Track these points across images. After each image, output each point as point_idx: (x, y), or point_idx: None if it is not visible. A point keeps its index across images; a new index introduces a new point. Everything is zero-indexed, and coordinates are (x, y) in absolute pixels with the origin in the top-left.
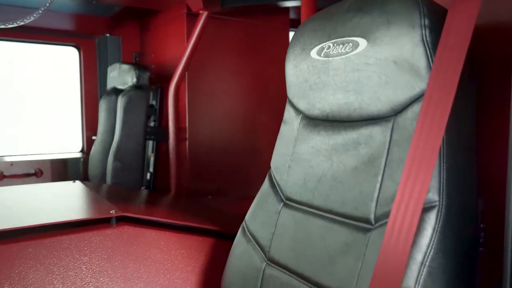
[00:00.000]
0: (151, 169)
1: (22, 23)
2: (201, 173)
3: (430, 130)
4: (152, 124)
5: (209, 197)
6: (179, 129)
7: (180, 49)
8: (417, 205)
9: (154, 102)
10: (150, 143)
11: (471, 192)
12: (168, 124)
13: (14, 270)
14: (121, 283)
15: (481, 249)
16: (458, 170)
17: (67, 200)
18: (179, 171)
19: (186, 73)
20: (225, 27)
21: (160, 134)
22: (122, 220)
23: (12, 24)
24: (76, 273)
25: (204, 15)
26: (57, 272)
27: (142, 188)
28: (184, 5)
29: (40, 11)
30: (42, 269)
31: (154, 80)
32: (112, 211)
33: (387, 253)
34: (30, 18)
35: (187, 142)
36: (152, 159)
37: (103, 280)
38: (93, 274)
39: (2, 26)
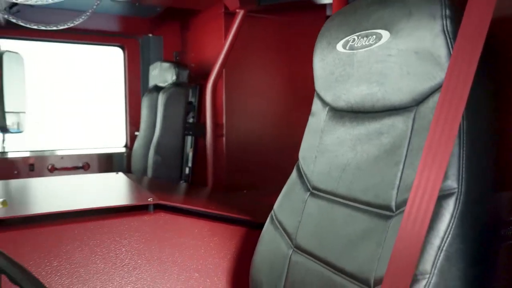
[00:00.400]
0: (189, 164)
1: (71, 25)
2: (237, 168)
3: (446, 119)
4: (191, 120)
5: (244, 191)
6: (216, 125)
7: (218, 47)
8: (433, 191)
9: (193, 99)
10: (189, 139)
11: (491, 182)
12: (205, 120)
13: (62, 249)
14: (157, 266)
15: (510, 242)
16: (478, 159)
17: (109, 189)
18: (216, 166)
19: (224, 70)
20: (261, 25)
21: (198, 130)
22: (159, 208)
23: (63, 26)
24: (116, 254)
25: (240, 13)
26: (99, 253)
27: (181, 182)
28: (222, 4)
29: (87, 13)
30: (86, 249)
31: (193, 78)
32: (150, 199)
33: (404, 237)
34: (78, 20)
35: (224, 138)
36: (190, 154)
37: (140, 262)
38: (132, 256)
39: (54, 28)
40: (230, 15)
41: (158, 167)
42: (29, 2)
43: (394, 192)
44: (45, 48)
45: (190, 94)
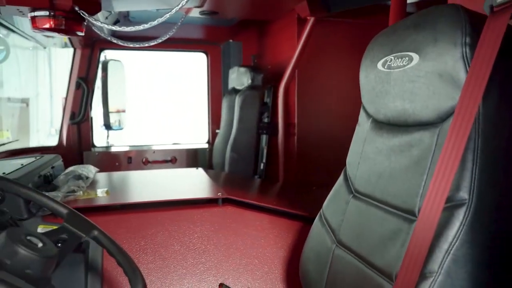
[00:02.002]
0: (264, 160)
1: (163, 39)
2: (308, 166)
3: (456, 137)
4: (266, 120)
5: (314, 188)
6: (288, 124)
7: (291, 51)
8: (440, 201)
9: (268, 100)
10: (264, 137)
11: (502, 193)
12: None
13: (148, 232)
14: (223, 251)
15: None
16: (490, 173)
17: (188, 183)
18: (287, 163)
19: (296, 72)
20: (332, 29)
21: (271, 129)
22: (227, 202)
23: (156, 42)
24: (190, 239)
25: (311, 20)
26: (176, 237)
27: (255, 177)
28: (295, 12)
29: (177, 26)
30: (166, 233)
31: (269, 79)
32: (219, 194)
33: (415, 240)
34: (167, 35)
35: (295, 137)
36: (265, 151)
37: (209, 247)
38: (202, 241)
39: (148, 44)
40: (302, 22)
41: (233, 163)
42: (127, 29)
43: (418, 199)
44: (140, 55)
45: (266, 94)
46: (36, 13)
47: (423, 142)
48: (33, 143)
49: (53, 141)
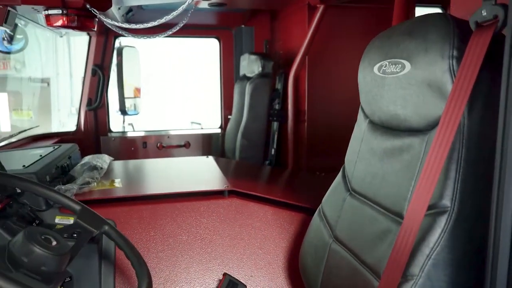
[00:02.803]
0: (274, 146)
1: (176, 29)
2: (318, 152)
3: (440, 147)
4: (277, 106)
5: (323, 174)
6: (298, 111)
7: (302, 38)
8: (422, 208)
9: (279, 86)
10: (275, 124)
11: (484, 201)
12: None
13: (157, 223)
14: (228, 241)
15: None
16: (474, 181)
17: (196, 173)
18: (296, 149)
19: (307, 59)
20: (343, 15)
21: (282, 115)
22: (232, 193)
23: (166, 34)
24: (197, 229)
25: (321, 7)
26: (184, 227)
27: (266, 162)
28: (305, 0)
29: (189, 14)
30: (174, 224)
31: (281, 65)
32: (225, 186)
33: (399, 243)
34: (178, 27)
35: (305, 124)
36: (275, 137)
37: (215, 237)
38: (208, 232)
39: (171, 31)
40: (312, 8)
41: (244, 150)
42: (137, 27)
43: (406, 203)
44: (154, 40)
45: (277, 81)
46: (50, 11)
47: (413, 148)
48: (55, 122)
49: (72, 121)
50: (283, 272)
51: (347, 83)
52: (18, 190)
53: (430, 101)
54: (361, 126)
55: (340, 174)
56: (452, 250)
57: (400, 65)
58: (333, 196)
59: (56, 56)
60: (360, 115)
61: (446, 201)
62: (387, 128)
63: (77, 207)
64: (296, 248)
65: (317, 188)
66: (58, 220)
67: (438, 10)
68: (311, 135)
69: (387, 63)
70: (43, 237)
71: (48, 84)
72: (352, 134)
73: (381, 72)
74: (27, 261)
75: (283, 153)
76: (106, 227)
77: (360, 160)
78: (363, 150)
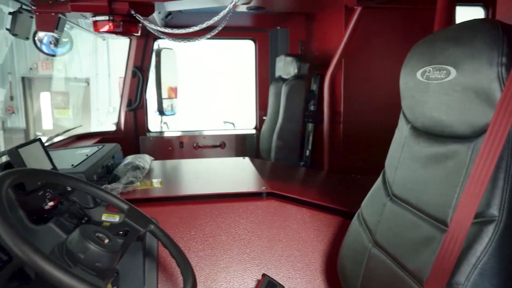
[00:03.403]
0: (309, 148)
1: (213, 34)
2: (353, 154)
3: (488, 156)
4: (312, 108)
5: (358, 176)
6: (334, 113)
7: (339, 40)
8: (469, 216)
9: (314, 88)
10: (310, 125)
11: None
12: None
13: (198, 222)
14: (266, 242)
15: None
16: None
17: (234, 175)
18: (332, 151)
19: (343, 61)
20: (381, 17)
21: (317, 117)
22: (270, 195)
23: (205, 37)
24: (236, 230)
25: (359, 9)
26: (223, 228)
27: (301, 163)
28: (342, 2)
29: (227, 18)
30: (214, 224)
31: (316, 66)
32: (264, 188)
33: (444, 251)
34: (216, 30)
35: (341, 125)
36: (310, 139)
37: (254, 238)
38: (247, 233)
39: (209, 35)
40: (349, 10)
41: (279, 151)
42: (177, 32)
43: (450, 210)
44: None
45: (312, 82)
46: (97, 18)
47: (458, 155)
48: (94, 120)
49: (110, 119)
50: (321, 275)
51: (384, 85)
52: (69, 189)
53: (477, 108)
54: (402, 131)
55: (380, 179)
56: (500, 260)
57: (445, 71)
58: (373, 200)
59: (96, 57)
60: (402, 120)
61: (494, 211)
62: (430, 134)
63: (126, 207)
64: (333, 251)
65: (354, 191)
66: (104, 217)
67: (479, 9)
68: (347, 137)
69: (431, 69)
70: (96, 234)
71: (88, 84)
72: (393, 139)
73: (424, 78)
74: (83, 258)
75: (317, 154)
76: (152, 226)
77: (401, 166)
78: (404, 155)
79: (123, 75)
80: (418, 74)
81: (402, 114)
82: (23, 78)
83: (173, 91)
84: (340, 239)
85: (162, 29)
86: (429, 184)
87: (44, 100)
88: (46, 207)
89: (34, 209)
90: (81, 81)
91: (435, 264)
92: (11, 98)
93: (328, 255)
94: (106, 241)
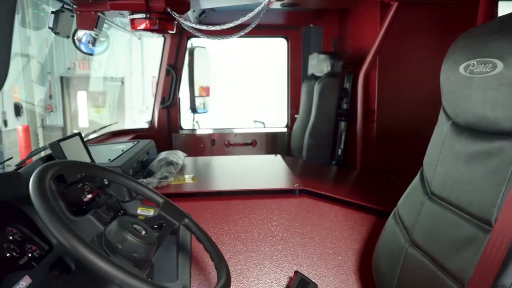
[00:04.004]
0: (342, 146)
1: (250, 29)
2: (387, 153)
3: None
4: (345, 106)
5: (392, 176)
6: (368, 111)
7: (373, 36)
8: None
9: (347, 86)
10: (343, 123)
11: None
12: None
13: (230, 218)
14: (299, 240)
15: None
16: None
17: (266, 171)
18: (365, 150)
19: (378, 59)
20: (418, 13)
21: (350, 115)
22: (303, 192)
23: (238, 34)
24: (268, 227)
25: (395, 5)
26: (256, 224)
27: (333, 162)
28: None
29: (260, 15)
30: (246, 220)
31: (349, 64)
32: (296, 185)
33: (489, 252)
34: (257, 21)
35: (375, 124)
36: (343, 137)
37: (286, 235)
38: (279, 229)
39: (243, 32)
40: (385, 6)
41: (311, 149)
42: (212, 29)
43: (495, 209)
44: (221, 42)
45: (345, 80)
46: (135, 16)
47: (503, 152)
48: (128, 118)
49: (143, 117)
50: (354, 274)
51: (420, 82)
52: (106, 182)
53: None
54: (442, 128)
55: (417, 177)
56: None
57: (490, 65)
58: (410, 199)
59: (131, 57)
60: (442, 117)
61: None
62: (473, 130)
63: (161, 200)
64: (368, 250)
65: (389, 190)
66: (139, 211)
67: None
68: (380, 136)
69: (475, 62)
70: (134, 226)
71: (123, 83)
72: (432, 136)
73: (468, 72)
74: (121, 248)
75: (350, 153)
76: (186, 220)
77: (441, 163)
78: (444, 152)
79: (156, 75)
80: (461, 68)
81: (443, 110)
82: (61, 78)
83: (205, 89)
84: (375, 239)
85: (197, 26)
86: (472, 182)
87: (81, 98)
88: (85, 199)
89: (74, 201)
90: (116, 81)
91: (479, 265)
92: (50, 97)
93: (362, 254)
94: (143, 232)
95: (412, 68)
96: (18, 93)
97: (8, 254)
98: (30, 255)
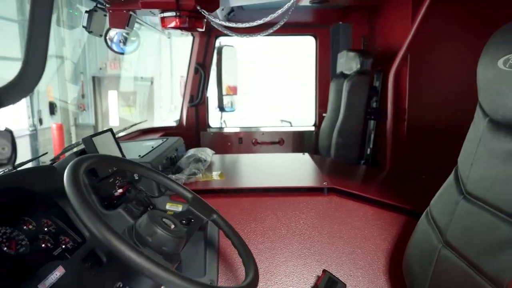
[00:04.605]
0: (371, 146)
1: (279, 26)
2: (418, 153)
3: None
4: (374, 104)
5: (423, 176)
6: (398, 110)
7: (405, 33)
8: None
9: (377, 84)
10: (372, 122)
11: None
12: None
13: (258, 215)
14: (327, 238)
15: None
16: None
17: (294, 170)
18: (395, 150)
19: (409, 56)
20: (452, 8)
21: (380, 114)
22: (332, 191)
23: (266, 33)
24: (296, 225)
25: (427, 1)
26: (283, 222)
27: (361, 162)
28: None
29: (289, 13)
30: (274, 217)
31: (379, 62)
32: (325, 183)
33: None
34: (285, 19)
35: (405, 123)
36: (372, 136)
37: (314, 233)
38: (307, 228)
39: (271, 30)
40: (417, 2)
41: (339, 148)
42: (241, 26)
43: None
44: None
45: (375, 78)
46: (165, 14)
47: None
48: (156, 117)
49: (172, 117)
50: (384, 274)
51: (454, 80)
52: (136, 177)
53: None
54: (478, 125)
55: (452, 176)
56: None
57: None
58: (444, 199)
59: (160, 57)
60: (478, 114)
61: None
62: None
63: (190, 195)
64: (398, 251)
65: (420, 190)
66: (168, 206)
67: None
68: (411, 135)
69: None
70: (163, 220)
71: (152, 83)
72: (467, 134)
73: (507, 66)
74: (151, 241)
75: (379, 153)
76: (215, 216)
77: (477, 162)
78: (480, 150)
79: (184, 75)
80: (500, 63)
81: (479, 107)
82: (93, 77)
83: (233, 88)
84: (406, 239)
85: (226, 23)
86: (510, 182)
87: (112, 98)
88: (116, 193)
89: (105, 195)
90: (146, 80)
91: None
92: (83, 96)
93: (392, 254)
94: (172, 226)
95: (445, 65)
96: (53, 92)
97: (43, 245)
98: (63, 246)
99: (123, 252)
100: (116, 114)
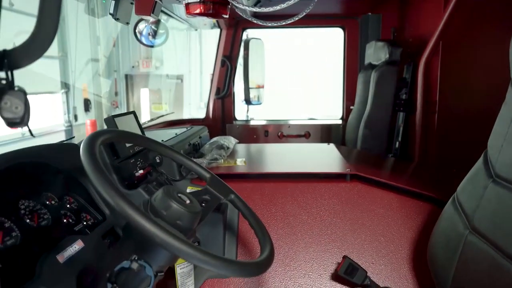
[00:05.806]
0: (399, 138)
1: (304, 14)
2: (449, 146)
3: None
4: (403, 96)
5: (454, 170)
6: (428, 102)
7: (436, 22)
8: None
9: (407, 75)
10: (401, 114)
11: None
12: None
13: (279, 201)
14: (349, 225)
15: None
16: None
17: (317, 157)
18: (425, 143)
19: (441, 45)
20: None
21: (409, 106)
22: (355, 178)
23: (293, 19)
24: (317, 211)
25: None
26: (304, 208)
27: (389, 155)
28: None
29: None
30: (295, 203)
31: (409, 54)
32: (348, 170)
33: None
34: (304, 12)
35: (436, 115)
36: (401, 129)
37: (335, 220)
38: (329, 214)
39: (291, 20)
40: None
41: (366, 140)
42: (266, 10)
43: None
44: (278, 31)
45: (405, 70)
46: (190, 0)
47: None
48: (186, 114)
49: (201, 114)
50: (408, 263)
51: (487, 73)
52: (158, 160)
53: None
54: (510, 105)
55: (481, 159)
56: None
57: None
58: (472, 183)
59: (190, 56)
60: (510, 93)
61: None
62: None
63: (208, 175)
64: (423, 240)
65: (447, 179)
66: (189, 190)
67: None
68: (442, 128)
69: None
70: (179, 195)
71: (182, 80)
72: (498, 115)
73: None
74: (166, 214)
75: (408, 146)
76: (232, 196)
77: (509, 143)
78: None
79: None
80: None
81: (511, 86)
82: (126, 75)
83: (261, 81)
84: (431, 227)
85: (249, 9)
86: None
87: (144, 95)
88: (137, 174)
89: (126, 175)
90: (176, 78)
91: None
92: (116, 93)
93: (417, 243)
94: (188, 202)
95: (479, 55)
96: (88, 90)
97: (65, 220)
98: (84, 223)
99: (133, 216)
100: (148, 111)
